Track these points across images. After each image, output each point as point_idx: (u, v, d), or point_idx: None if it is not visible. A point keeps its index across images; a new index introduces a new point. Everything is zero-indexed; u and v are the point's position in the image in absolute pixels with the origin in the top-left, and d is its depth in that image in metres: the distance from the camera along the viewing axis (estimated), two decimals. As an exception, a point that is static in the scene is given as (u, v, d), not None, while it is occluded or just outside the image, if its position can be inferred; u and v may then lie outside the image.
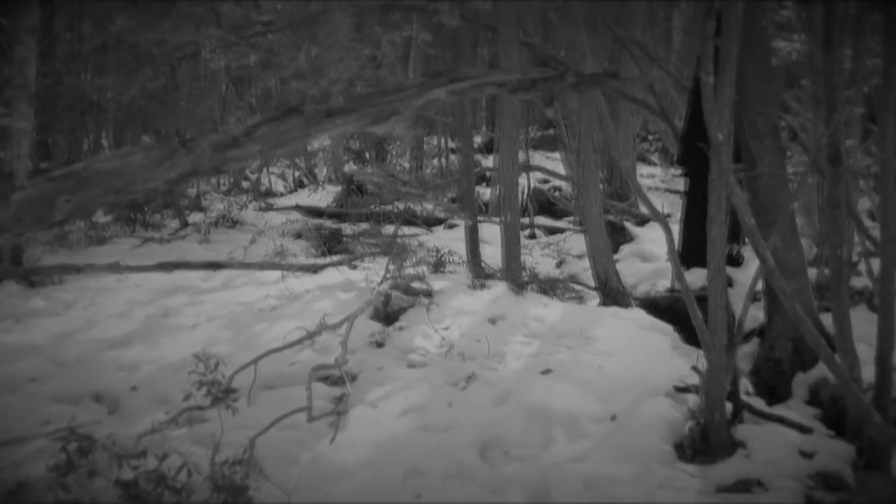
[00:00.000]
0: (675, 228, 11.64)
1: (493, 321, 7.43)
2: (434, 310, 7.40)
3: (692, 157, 9.49)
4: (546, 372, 6.48)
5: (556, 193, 17.28)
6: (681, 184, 23.07)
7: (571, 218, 16.20)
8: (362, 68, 10.96)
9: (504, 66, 7.89)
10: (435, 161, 21.63)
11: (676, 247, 9.63)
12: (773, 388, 7.52)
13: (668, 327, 7.79)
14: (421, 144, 20.72)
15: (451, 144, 22.32)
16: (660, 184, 25.16)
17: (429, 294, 7.68)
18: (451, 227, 13.41)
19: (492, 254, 10.12)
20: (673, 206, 20.96)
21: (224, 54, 10.84)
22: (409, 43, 17.41)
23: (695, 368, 6.17)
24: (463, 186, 10.05)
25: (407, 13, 11.68)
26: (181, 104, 15.10)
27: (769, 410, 6.22)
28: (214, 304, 8.29)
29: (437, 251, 8.81)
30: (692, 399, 6.15)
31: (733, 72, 6.30)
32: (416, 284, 7.76)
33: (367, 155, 21.91)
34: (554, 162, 23.64)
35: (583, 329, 7.30)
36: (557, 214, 16.53)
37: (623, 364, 6.68)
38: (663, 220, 6.23)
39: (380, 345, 7.04)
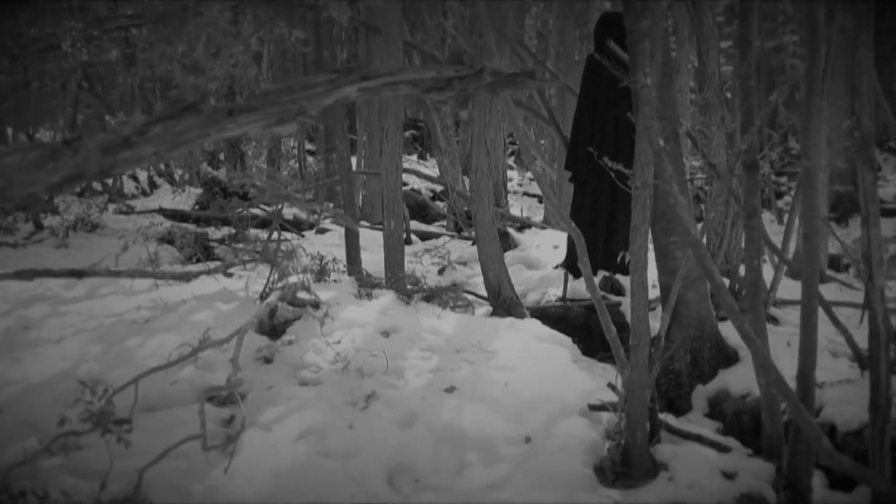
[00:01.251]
0: (548, 235, 11.50)
1: (386, 334, 7.01)
2: (328, 318, 6.94)
3: (579, 164, 9.26)
4: (450, 390, 6.09)
5: (429, 197, 17.06)
6: (537, 188, 23.25)
7: (443, 223, 15.92)
8: (241, 64, 10.45)
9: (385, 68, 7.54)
10: (293, 163, 21.22)
11: (564, 256, 9.45)
12: (673, 400, 7.33)
13: (566, 339, 7.51)
14: (278, 146, 20.23)
15: (308, 146, 21.93)
16: (517, 187, 25.18)
17: (316, 305, 7.21)
18: (323, 231, 12.98)
19: (368, 260, 9.72)
20: (531, 210, 20.98)
21: (85, 48, 10.21)
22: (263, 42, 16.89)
23: (611, 386, 5.87)
24: (344, 189, 9.61)
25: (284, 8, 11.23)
26: (33, 102, 14.36)
27: (686, 429, 5.96)
28: (81, 316, 7.64)
29: (321, 258, 8.32)
30: (607, 418, 5.87)
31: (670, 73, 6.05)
32: (301, 294, 7.28)
33: (222, 156, 21.39)
34: (417, 165, 23.46)
35: (481, 342, 6.95)
36: (428, 219, 16.28)
37: (528, 380, 6.34)
38: (576, 230, 5.90)
39: (268, 360, 6.53)
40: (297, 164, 20.99)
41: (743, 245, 9.48)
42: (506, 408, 5.86)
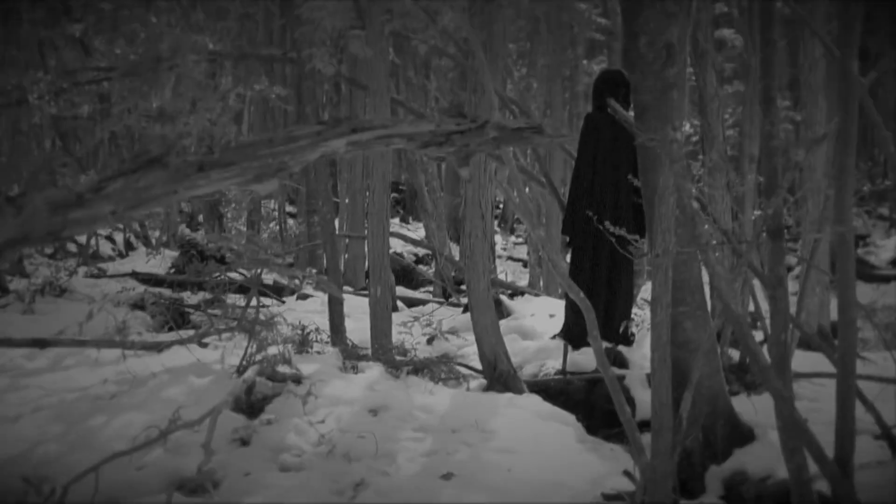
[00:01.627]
0: (542, 303, 10.95)
1: (374, 412, 6.41)
2: (310, 395, 6.35)
3: (577, 228, 8.76)
4: (448, 476, 5.49)
5: (412, 261, 16.57)
6: (523, 252, 22.79)
7: (430, 288, 15.36)
8: (220, 123, 9.94)
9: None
10: (273, 225, 20.74)
11: (562, 324, 8.90)
12: (685, 482, 6.71)
13: (569, 416, 6.94)
14: (258, 207, 19.72)
15: (289, 208, 21.45)
16: (501, 251, 24.70)
17: (298, 380, 6.62)
18: (305, 297, 12.39)
19: (353, 328, 9.14)
20: (516, 275, 20.46)
21: (55, 102, 9.67)
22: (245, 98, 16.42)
23: (628, 474, 5.31)
24: (327, 254, 9.06)
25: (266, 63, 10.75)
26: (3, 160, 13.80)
27: (710, 522, 5.40)
28: (42, 390, 7.01)
29: (303, 327, 7.73)
30: (622, 510, 5.31)
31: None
32: (282, 368, 6.70)
33: (200, 218, 20.89)
34: (400, 228, 23.00)
35: (478, 421, 6.37)
36: (413, 284, 15.73)
37: (532, 464, 5.75)
38: (584, 301, 5.33)
39: (245, 443, 5.91)
40: (278, 227, 20.45)
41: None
42: (511, 497, 5.28)
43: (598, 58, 18.78)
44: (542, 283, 16.36)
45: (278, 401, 6.39)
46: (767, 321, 6.87)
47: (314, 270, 11.52)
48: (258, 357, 6.79)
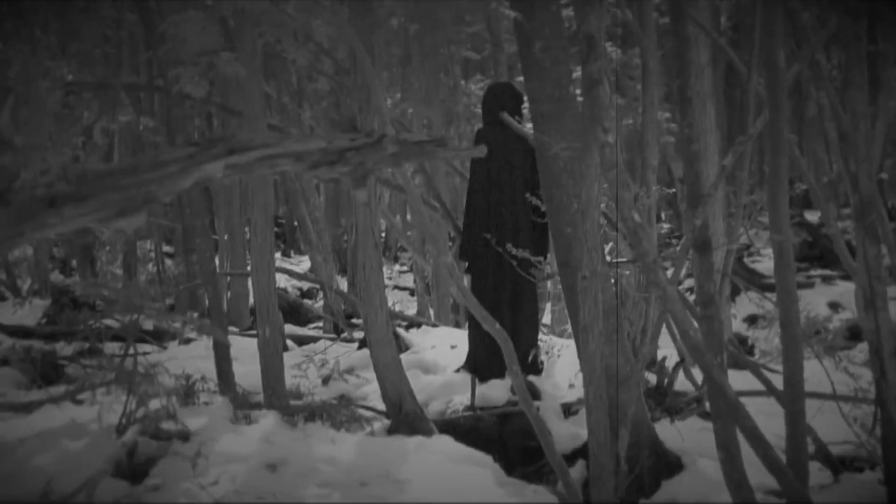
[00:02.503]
0: (441, 334, 10.40)
1: (273, 468, 5.77)
2: (199, 456, 5.69)
3: (475, 252, 8.27)
4: (361, 540, 4.93)
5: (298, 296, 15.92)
6: (409, 280, 22.24)
7: (319, 324, 14.71)
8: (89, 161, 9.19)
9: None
10: (150, 266, 19.88)
11: (466, 356, 8.37)
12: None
13: (484, 457, 6.41)
14: (133, 249, 18.86)
15: (167, 248, 20.63)
16: (387, 280, 24.09)
17: (185, 436, 5.97)
18: (188, 341, 11.62)
19: (242, 373, 8.47)
20: (403, 304, 19.88)
21: None
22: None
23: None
24: (209, 295, 8.38)
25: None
26: None
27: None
28: None
29: (187, 377, 7.05)
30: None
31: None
32: (166, 424, 6.04)
33: (74, 262, 19.97)
34: (282, 262, 22.29)
35: (388, 471, 5.80)
36: (301, 321, 15.05)
37: (453, 518, 5.22)
38: (501, 333, 4.79)
39: (128, 515, 5.25)
40: (155, 268, 19.57)
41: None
42: (435, 560, 4.72)
43: (475, 76, 18.35)
44: (431, 312, 15.84)
45: (164, 462, 5.72)
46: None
47: (196, 314, 10.81)
48: (139, 413, 6.11)
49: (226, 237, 16.95)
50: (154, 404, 6.30)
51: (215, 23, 7.34)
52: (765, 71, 4.57)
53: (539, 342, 8.56)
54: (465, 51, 17.45)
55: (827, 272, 19.94)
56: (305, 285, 19.27)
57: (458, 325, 14.12)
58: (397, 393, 7.05)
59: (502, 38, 14.12)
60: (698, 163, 4.85)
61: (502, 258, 7.79)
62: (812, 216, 22.63)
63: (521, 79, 8.16)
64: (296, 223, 20.85)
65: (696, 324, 4.60)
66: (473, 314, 4.67)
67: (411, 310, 18.01)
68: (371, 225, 7.06)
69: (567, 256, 6.38)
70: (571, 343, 8.70)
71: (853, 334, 10.90)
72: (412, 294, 20.39)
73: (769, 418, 5.42)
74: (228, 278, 15.23)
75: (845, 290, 17.25)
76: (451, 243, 12.42)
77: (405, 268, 25.03)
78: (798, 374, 4.53)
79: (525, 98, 7.98)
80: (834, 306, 16.73)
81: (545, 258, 8.35)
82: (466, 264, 8.36)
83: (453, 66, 17.01)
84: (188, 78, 7.47)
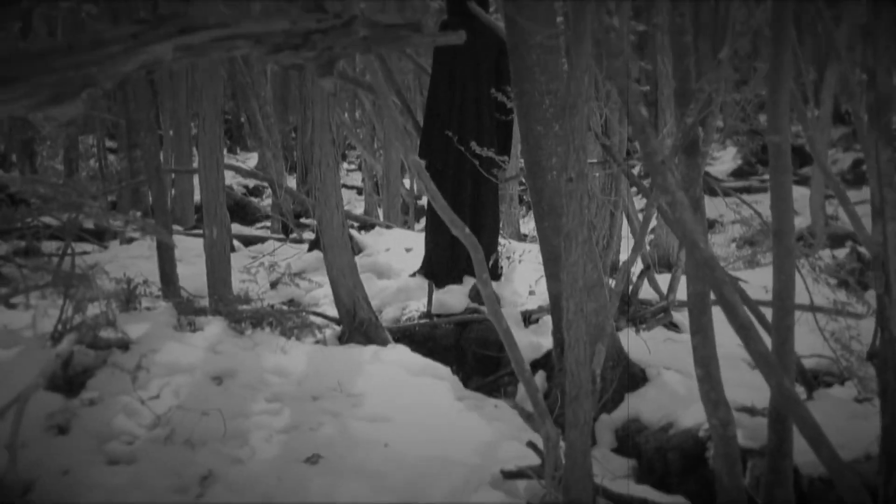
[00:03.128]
0: (395, 236, 10.02)
1: (219, 380, 5.39)
2: (140, 366, 5.27)
3: (436, 151, 7.87)
4: (314, 460, 4.53)
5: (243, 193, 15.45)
6: (357, 178, 21.74)
7: (267, 223, 14.26)
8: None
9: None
10: (92, 162, 19.26)
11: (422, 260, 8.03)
12: (572, 433, 5.95)
13: (442, 368, 6.08)
14: (75, 144, 18.22)
15: (110, 143, 20.00)
16: (333, 178, 23.52)
17: (125, 345, 5.56)
18: (130, 241, 11.15)
19: (187, 275, 8.05)
20: (351, 204, 19.41)
21: None
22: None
23: (532, 446, 4.44)
24: (153, 192, 7.92)
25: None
26: None
27: (629, 494, 4.55)
28: None
29: (128, 280, 6.60)
30: (524, 487, 4.43)
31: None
32: (105, 332, 5.61)
33: (14, 157, 19.33)
34: (229, 159, 21.74)
35: (342, 383, 5.44)
36: (248, 220, 14.61)
37: (412, 435, 4.85)
38: (471, 238, 4.39)
39: (63, 430, 4.79)
40: (98, 164, 18.93)
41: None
42: (392, 482, 4.36)
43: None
44: (380, 212, 15.44)
45: (102, 374, 5.30)
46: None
47: (139, 213, 10.32)
48: (76, 320, 5.67)
49: (171, 133, 16.35)
50: (93, 310, 5.88)
51: None
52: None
53: (499, 246, 8.22)
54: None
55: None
56: (252, 183, 18.74)
57: (406, 224, 13.79)
58: (352, 299, 6.67)
59: None
60: (688, 56, 4.44)
61: (463, 157, 7.42)
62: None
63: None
64: (243, 118, 20.21)
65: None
66: (442, 217, 4.27)
67: (359, 209, 17.63)
68: (328, 120, 6.62)
69: (536, 156, 5.97)
70: (532, 247, 8.38)
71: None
72: (360, 193, 19.95)
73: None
74: (173, 176, 14.73)
75: (799, 196, 17.08)
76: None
77: (353, 166, 24.51)
78: (790, 287, 4.18)
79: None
80: (788, 211, 16.56)
81: (508, 157, 7.97)
82: (425, 163, 7.93)
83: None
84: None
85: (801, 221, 12.60)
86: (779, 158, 4.13)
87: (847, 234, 13.50)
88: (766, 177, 19.45)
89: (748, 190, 17.58)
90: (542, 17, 5.83)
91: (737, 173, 21.94)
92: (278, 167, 14.10)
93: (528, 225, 14.00)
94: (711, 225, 15.22)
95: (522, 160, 13.57)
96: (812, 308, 6.20)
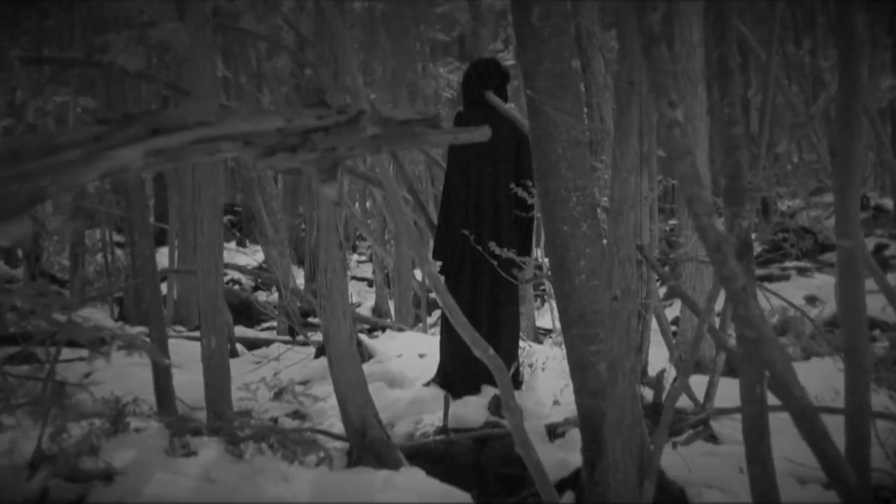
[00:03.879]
0: (407, 339, 9.46)
1: (213, 516, 4.82)
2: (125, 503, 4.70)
3: (451, 251, 7.36)
4: None
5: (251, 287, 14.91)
6: (367, 270, 21.26)
7: (273, 323, 13.71)
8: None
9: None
10: (99, 257, 18.84)
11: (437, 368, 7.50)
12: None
13: (462, 496, 5.46)
14: (82, 239, 17.81)
15: (117, 238, 19.59)
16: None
17: (109, 476, 4.99)
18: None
19: (186, 384, 7.50)
20: (361, 295, 18.91)
21: None
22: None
23: None
24: (148, 299, 7.37)
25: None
26: None
27: None
28: None
29: (116, 399, 6.04)
30: None
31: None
32: (87, 461, 5.06)
33: (20, 253, 18.99)
34: (237, 253, 21.31)
35: (350, 516, 4.85)
36: (253, 319, 14.06)
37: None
38: (495, 360, 3.84)
39: (32, 583, 4.25)
40: (104, 260, 18.49)
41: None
42: None
43: (446, 58, 17.42)
44: (391, 304, 14.90)
45: (82, 512, 4.74)
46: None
47: (127, 327, 9.77)
48: (54, 449, 5.12)
49: (177, 227, 15.90)
50: (75, 434, 5.32)
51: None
52: (838, 38, 3.63)
53: (519, 350, 7.67)
54: (434, 32, 16.55)
55: (802, 264, 19.14)
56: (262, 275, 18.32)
57: (419, 319, 13.25)
58: (361, 417, 6.08)
59: (483, 10, 13.17)
60: (739, 150, 3.92)
61: (481, 258, 6.93)
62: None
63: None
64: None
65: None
66: (462, 336, 3.73)
67: (369, 301, 17.09)
68: (335, 222, 6.10)
69: (563, 259, 5.43)
70: (556, 353, 7.83)
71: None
72: (370, 285, 19.44)
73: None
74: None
75: (822, 283, 16.59)
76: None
77: (363, 258, 24.03)
78: (865, 410, 3.63)
79: (510, 76, 7.15)
80: (811, 300, 16.04)
81: (530, 257, 7.46)
82: (440, 265, 7.41)
83: (422, 47, 16.12)
84: (119, 47, 6.41)
85: (828, 310, 12.13)
86: (849, 266, 3.58)
87: (873, 322, 12.99)
88: (787, 264, 18.95)
89: (769, 278, 17.05)
90: (570, 108, 5.35)
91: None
92: (284, 265, 13.58)
93: (542, 318, 13.48)
94: (735, 317, 14.69)
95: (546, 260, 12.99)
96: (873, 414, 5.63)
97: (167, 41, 7.37)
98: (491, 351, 3.86)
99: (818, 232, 17.54)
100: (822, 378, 6.76)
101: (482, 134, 2.96)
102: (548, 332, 11.88)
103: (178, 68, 11.57)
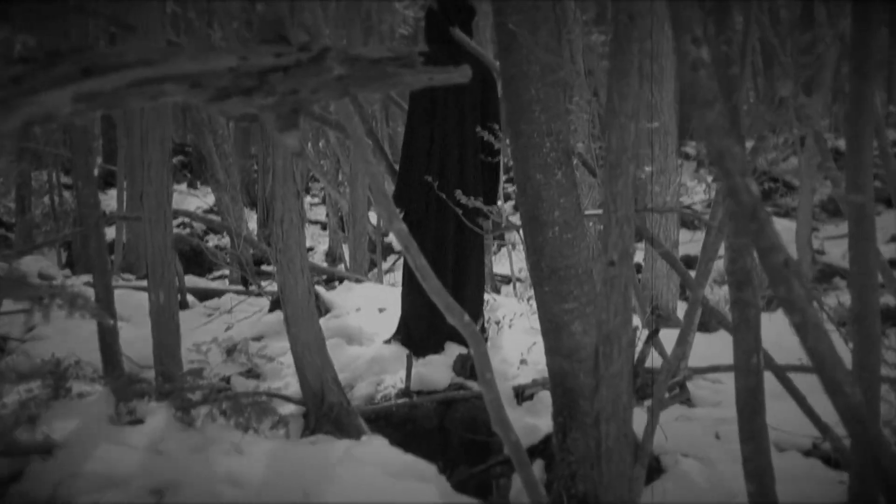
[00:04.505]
0: (366, 292, 9.09)
1: (159, 494, 4.41)
2: (65, 480, 4.29)
3: (414, 197, 7.00)
4: None
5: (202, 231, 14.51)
6: (321, 213, 20.79)
7: (225, 272, 13.26)
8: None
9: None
10: (46, 200, 18.29)
11: (398, 324, 7.16)
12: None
13: (428, 467, 5.05)
14: (28, 181, 17.27)
15: (65, 179, 19.03)
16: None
17: (48, 449, 4.59)
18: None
19: (134, 339, 7.12)
20: (314, 239, 18.48)
21: None
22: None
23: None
24: (92, 250, 6.92)
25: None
26: None
27: None
28: None
29: (57, 361, 5.61)
30: None
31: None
32: (24, 432, 4.65)
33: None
34: (188, 195, 20.83)
35: (308, 493, 4.48)
36: (205, 267, 13.59)
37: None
38: (470, 328, 3.47)
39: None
40: (51, 202, 17.94)
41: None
42: None
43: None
44: (345, 248, 14.48)
45: (16, 490, 4.33)
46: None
47: (69, 284, 9.30)
48: (-12, 418, 4.71)
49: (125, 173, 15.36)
50: (11, 401, 4.91)
51: None
52: None
53: (484, 304, 7.34)
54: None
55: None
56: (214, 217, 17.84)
57: (373, 264, 12.88)
58: (319, 381, 5.70)
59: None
60: (738, 92, 3.54)
61: (445, 205, 6.57)
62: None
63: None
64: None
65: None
66: (435, 301, 3.33)
67: (323, 245, 16.68)
68: (292, 169, 5.68)
69: (535, 209, 5.04)
70: (524, 309, 7.51)
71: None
72: (324, 228, 19.01)
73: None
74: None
75: (782, 229, 16.41)
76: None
77: (317, 200, 23.54)
78: (875, 388, 3.30)
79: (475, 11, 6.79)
80: (771, 248, 15.94)
81: (492, 204, 7.08)
82: (403, 212, 6.99)
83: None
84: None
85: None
86: (861, 223, 3.23)
87: (834, 270, 12.84)
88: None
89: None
90: (545, 42, 4.94)
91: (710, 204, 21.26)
92: (237, 211, 13.08)
93: (500, 264, 13.17)
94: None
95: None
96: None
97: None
98: (466, 318, 3.48)
99: (778, 177, 17.23)
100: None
101: (462, 74, 2.53)
102: (505, 279, 11.56)
103: (124, 2, 11.07)
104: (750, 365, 3.26)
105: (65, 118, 2.18)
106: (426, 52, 5.78)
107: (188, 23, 13.96)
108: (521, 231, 5.55)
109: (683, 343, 4.80)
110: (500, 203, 7.63)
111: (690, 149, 21.28)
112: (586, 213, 5.56)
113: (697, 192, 22.34)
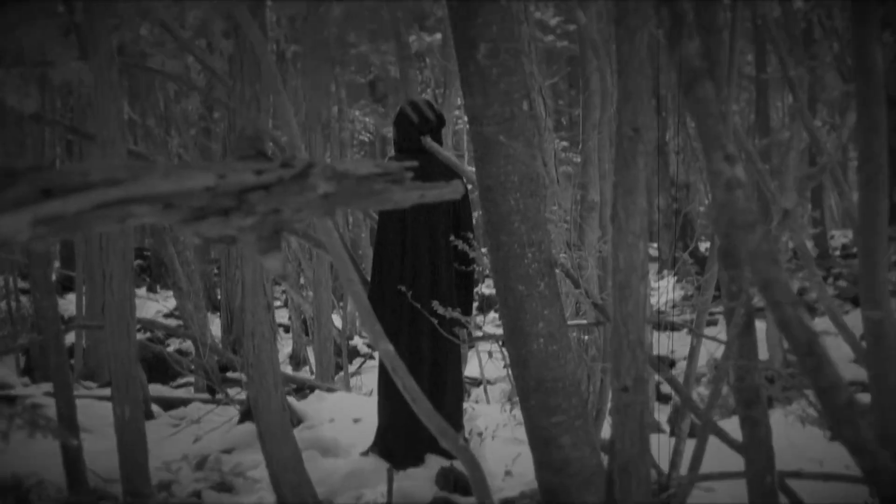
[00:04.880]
0: (339, 401, 8.87)
1: None
2: None
3: (387, 310, 6.90)
4: None
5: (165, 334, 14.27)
6: (283, 315, 20.56)
7: (190, 378, 12.95)
8: None
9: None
10: (3, 304, 17.98)
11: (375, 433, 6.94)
12: None
13: None
14: (-15, 286, 17.02)
15: (22, 284, 18.75)
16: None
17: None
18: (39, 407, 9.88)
19: (98, 453, 6.85)
20: (278, 342, 18.20)
21: None
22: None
23: None
24: (52, 363, 6.68)
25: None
26: None
27: None
28: None
29: (18, 482, 5.37)
30: None
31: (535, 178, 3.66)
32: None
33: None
34: (147, 300, 20.60)
35: None
36: (169, 375, 13.25)
37: None
38: (468, 456, 3.27)
39: None
40: (8, 307, 17.61)
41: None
42: None
43: (360, 101, 16.93)
44: (310, 352, 14.26)
45: None
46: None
47: (31, 402, 9.03)
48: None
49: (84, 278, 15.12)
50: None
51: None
52: (856, 74, 3.12)
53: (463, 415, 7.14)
54: (348, 74, 16.05)
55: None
56: (172, 322, 17.50)
57: (339, 367, 12.65)
58: (297, 498, 5.47)
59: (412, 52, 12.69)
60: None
61: (419, 316, 6.39)
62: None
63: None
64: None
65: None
66: (429, 426, 3.16)
67: (286, 348, 16.40)
68: (262, 281, 5.50)
69: (518, 321, 4.88)
70: (504, 418, 7.32)
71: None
72: (286, 331, 18.75)
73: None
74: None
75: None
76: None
77: (278, 303, 23.30)
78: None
79: (445, 119, 6.68)
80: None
81: (468, 314, 6.91)
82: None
83: (337, 90, 15.57)
84: (11, 86, 5.76)
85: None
86: (879, 341, 3.10)
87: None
88: (714, 309, 18.69)
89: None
90: (522, 151, 4.83)
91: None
92: (200, 319, 12.83)
93: (469, 364, 12.97)
94: (673, 364, 14.22)
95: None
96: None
97: (69, 81, 6.75)
98: (461, 441, 3.31)
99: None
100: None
101: (454, 190, 2.37)
102: (475, 381, 11.36)
103: (81, 111, 10.93)
104: (764, 486, 3.10)
105: (23, 244, 1.97)
106: (395, 160, 5.68)
107: (147, 130, 13.82)
108: (501, 342, 5.40)
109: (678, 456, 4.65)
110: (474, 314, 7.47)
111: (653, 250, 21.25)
112: (570, 322, 5.43)
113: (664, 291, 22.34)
